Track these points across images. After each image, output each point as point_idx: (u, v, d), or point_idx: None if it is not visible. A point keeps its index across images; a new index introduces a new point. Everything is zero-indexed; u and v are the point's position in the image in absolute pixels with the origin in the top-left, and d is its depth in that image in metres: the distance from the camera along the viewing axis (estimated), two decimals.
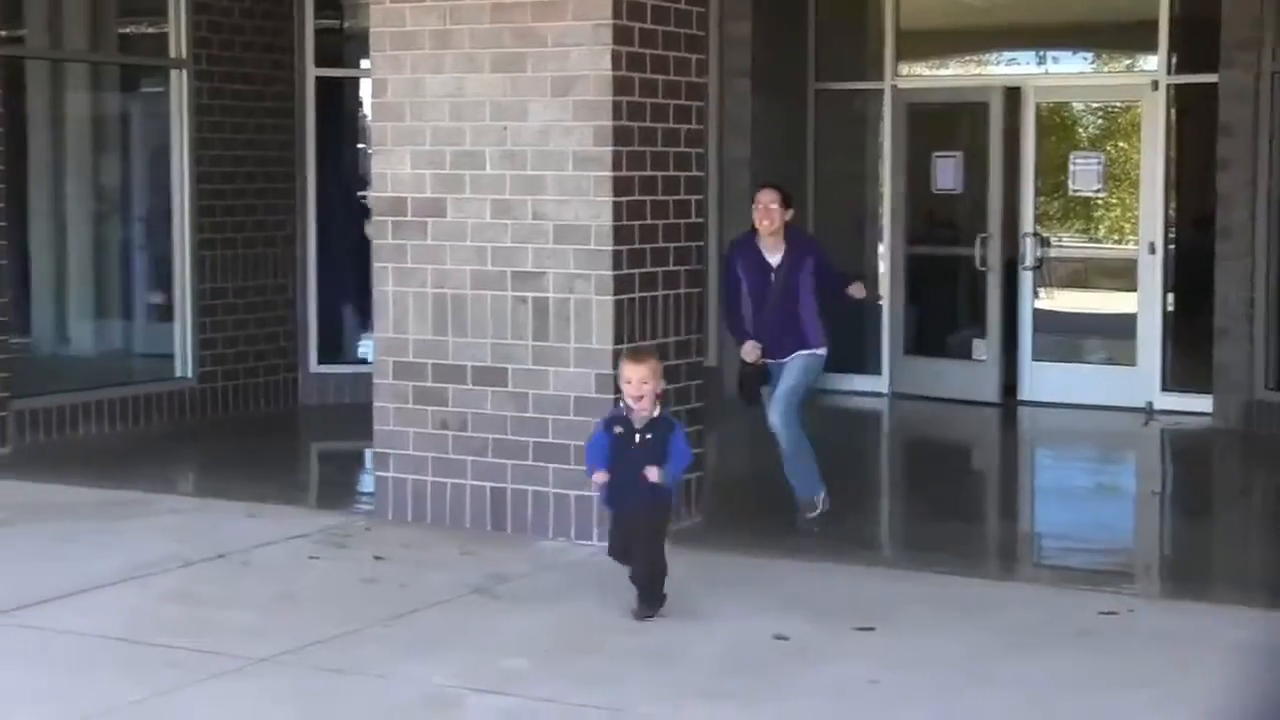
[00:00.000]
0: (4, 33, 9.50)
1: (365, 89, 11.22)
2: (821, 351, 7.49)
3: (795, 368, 7.39)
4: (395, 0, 7.36)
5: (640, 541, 5.82)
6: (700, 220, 7.81)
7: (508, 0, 7.11)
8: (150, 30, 11.26)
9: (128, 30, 11.65)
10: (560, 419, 7.08)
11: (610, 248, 7.01)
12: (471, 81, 7.23)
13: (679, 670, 5.39)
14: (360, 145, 11.61)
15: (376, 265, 7.60)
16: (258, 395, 11.03)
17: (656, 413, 5.86)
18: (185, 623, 5.90)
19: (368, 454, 8.29)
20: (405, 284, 7.44)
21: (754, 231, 7.49)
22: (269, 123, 11.10)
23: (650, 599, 5.84)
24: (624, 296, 7.07)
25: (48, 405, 9.75)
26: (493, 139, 7.21)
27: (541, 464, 7.16)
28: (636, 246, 7.16)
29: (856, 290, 7.69)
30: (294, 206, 11.30)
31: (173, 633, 5.73)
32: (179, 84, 10.68)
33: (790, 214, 7.45)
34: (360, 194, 11.07)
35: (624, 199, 7.07)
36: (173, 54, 10.70)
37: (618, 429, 5.84)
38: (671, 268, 7.42)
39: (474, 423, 7.29)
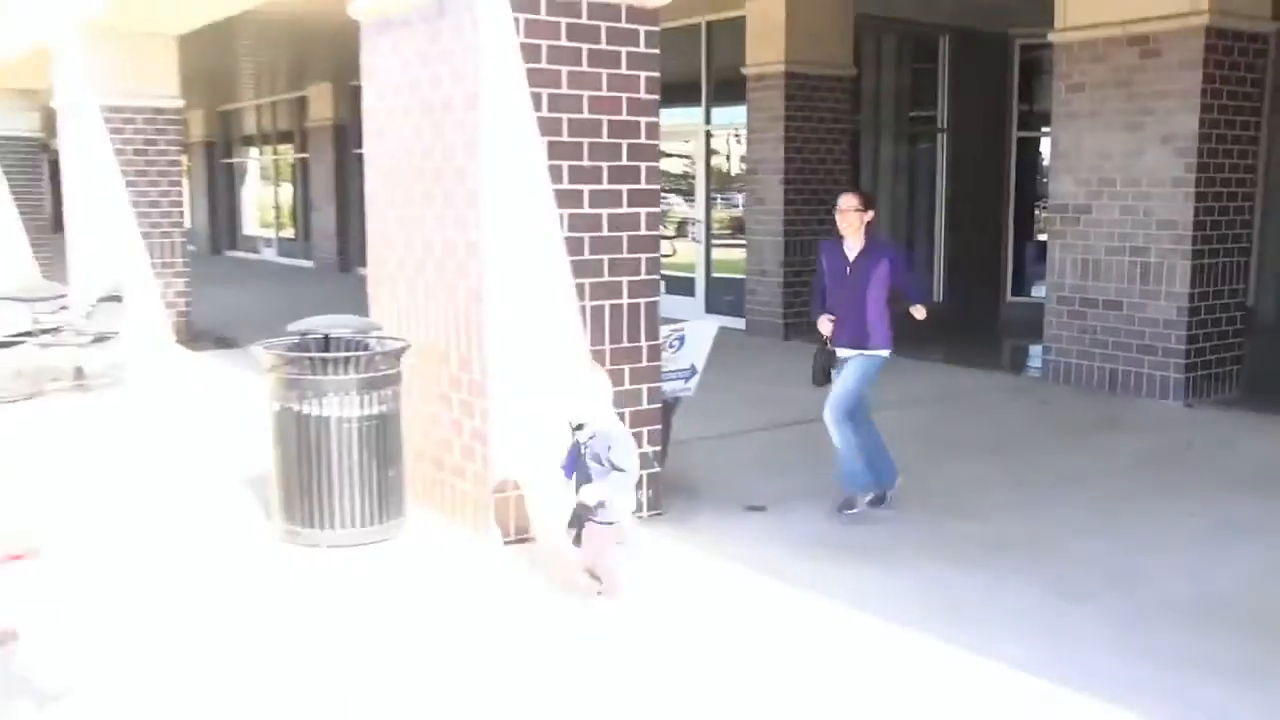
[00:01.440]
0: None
1: None
2: (882, 353, 7.58)
3: (852, 371, 7.56)
4: None
5: None
6: None
7: None
8: None
9: None
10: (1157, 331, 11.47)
11: None
12: None
13: None
14: None
15: None
16: None
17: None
18: (920, 438, 9.39)
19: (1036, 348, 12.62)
20: None
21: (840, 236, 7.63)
22: None
23: None
24: None
25: None
26: None
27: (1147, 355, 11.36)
28: None
29: (918, 312, 7.52)
30: None
31: (915, 441, 9.13)
32: None
33: (870, 216, 7.54)
34: None
35: None
36: None
37: None
38: None
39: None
